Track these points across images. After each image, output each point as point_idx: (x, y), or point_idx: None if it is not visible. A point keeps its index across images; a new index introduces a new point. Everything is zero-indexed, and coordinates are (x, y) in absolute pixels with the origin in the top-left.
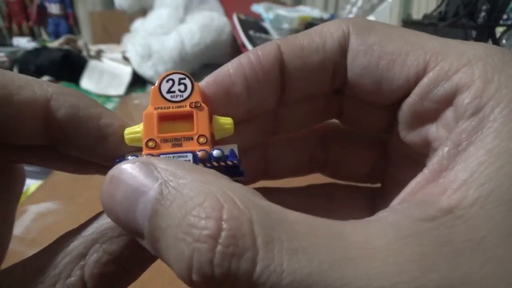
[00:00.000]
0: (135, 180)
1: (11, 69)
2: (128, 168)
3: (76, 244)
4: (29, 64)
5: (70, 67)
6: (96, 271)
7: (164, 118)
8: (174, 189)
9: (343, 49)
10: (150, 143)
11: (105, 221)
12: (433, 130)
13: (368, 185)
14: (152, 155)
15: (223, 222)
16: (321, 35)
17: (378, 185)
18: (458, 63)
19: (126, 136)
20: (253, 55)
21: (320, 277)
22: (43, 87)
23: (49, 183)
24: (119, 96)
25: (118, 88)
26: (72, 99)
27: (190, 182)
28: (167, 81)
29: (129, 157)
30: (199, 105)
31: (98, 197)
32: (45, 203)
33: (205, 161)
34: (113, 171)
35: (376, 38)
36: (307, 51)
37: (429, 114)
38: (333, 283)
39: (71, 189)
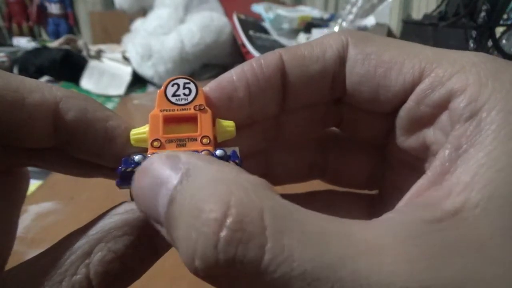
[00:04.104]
0: (160, 171)
1: (11, 69)
2: (156, 161)
3: (81, 243)
4: (29, 64)
5: (70, 67)
6: (100, 269)
7: (169, 120)
8: (192, 179)
9: (342, 59)
10: (155, 143)
11: (109, 221)
12: (430, 134)
13: (367, 191)
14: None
15: (230, 207)
16: (321, 46)
17: (377, 191)
18: (452, 69)
19: (132, 137)
20: (255, 63)
21: (331, 270)
22: (52, 91)
23: (49, 183)
24: (119, 96)
25: (118, 88)
26: (80, 103)
27: (207, 173)
28: (173, 85)
29: (135, 157)
30: (203, 108)
31: (98, 197)
32: (45, 203)
33: None
34: (143, 164)
35: (373, 48)
36: (308, 60)
37: (425, 119)
38: (344, 277)
39: (71, 189)
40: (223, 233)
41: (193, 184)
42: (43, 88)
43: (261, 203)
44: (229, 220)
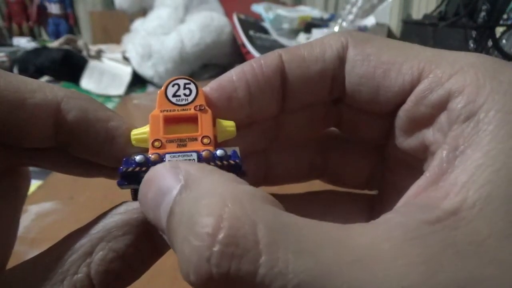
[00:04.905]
0: (163, 182)
1: (11, 69)
2: (159, 171)
3: (83, 242)
4: (29, 64)
5: (70, 67)
6: (102, 268)
7: (169, 120)
8: (190, 190)
9: (341, 60)
10: (156, 143)
11: (110, 220)
12: (429, 135)
13: (367, 191)
14: (158, 154)
15: (223, 221)
16: (321, 46)
17: (376, 191)
18: (451, 70)
19: (132, 137)
20: (255, 63)
21: (327, 279)
22: (54, 91)
23: (49, 183)
24: (119, 96)
25: (118, 88)
26: (81, 103)
27: (205, 184)
28: (173, 86)
29: (136, 157)
30: (203, 108)
31: (98, 197)
32: (45, 203)
33: (209, 160)
34: (148, 173)
35: (373, 49)
36: (307, 61)
37: (424, 119)
38: (340, 285)
39: (71, 189)
40: (215, 248)
41: (190, 196)
42: (45, 88)
43: (255, 216)
44: (221, 235)
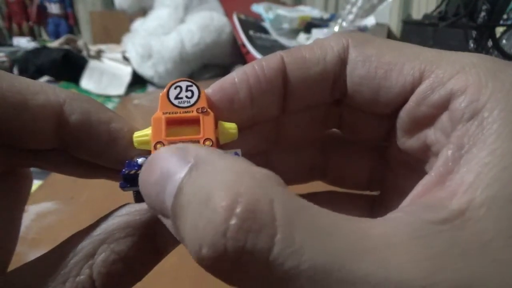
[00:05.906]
0: (168, 163)
1: (11, 69)
2: (165, 153)
3: (85, 244)
4: (29, 64)
5: (70, 67)
6: (104, 269)
7: (171, 123)
8: (202, 170)
9: (342, 61)
10: (158, 146)
11: (112, 222)
12: (431, 135)
13: (368, 192)
14: None
15: (241, 195)
16: (322, 48)
17: (378, 192)
18: (452, 70)
19: (135, 139)
20: (257, 65)
21: (341, 265)
22: (56, 92)
23: (49, 183)
24: (119, 96)
25: (118, 88)
26: (84, 105)
27: (217, 164)
28: (175, 88)
29: (138, 159)
30: (205, 110)
31: (98, 197)
32: (45, 203)
33: None
34: (152, 155)
35: (374, 50)
36: (308, 62)
37: (426, 119)
38: (353, 272)
39: (71, 189)
40: (232, 221)
41: (202, 174)
42: (47, 90)
43: (271, 194)
44: (239, 208)
